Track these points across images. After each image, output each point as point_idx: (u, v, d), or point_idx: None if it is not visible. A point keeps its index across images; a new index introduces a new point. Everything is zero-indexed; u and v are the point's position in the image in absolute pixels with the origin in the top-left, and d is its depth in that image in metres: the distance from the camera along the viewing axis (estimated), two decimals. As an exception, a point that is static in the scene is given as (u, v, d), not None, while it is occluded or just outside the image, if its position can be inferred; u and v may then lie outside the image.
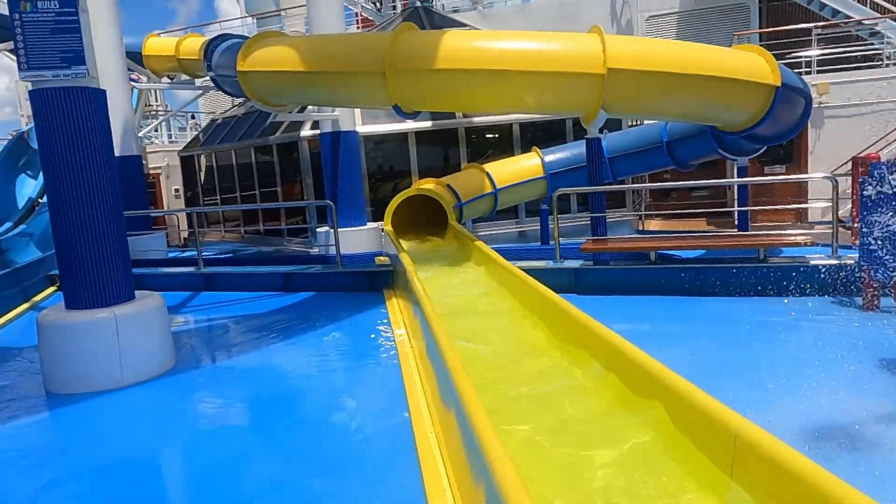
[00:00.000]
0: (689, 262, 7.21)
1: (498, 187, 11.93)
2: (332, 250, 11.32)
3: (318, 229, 11.85)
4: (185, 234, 18.34)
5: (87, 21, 5.31)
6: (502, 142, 13.93)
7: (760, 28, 16.43)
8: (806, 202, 14.29)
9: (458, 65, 7.42)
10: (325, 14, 10.40)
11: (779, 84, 7.96)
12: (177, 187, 20.20)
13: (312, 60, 8.26)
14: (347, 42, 8.50)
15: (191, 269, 9.36)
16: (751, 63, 7.90)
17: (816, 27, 15.37)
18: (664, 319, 6.25)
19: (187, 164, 17.90)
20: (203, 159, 17.08)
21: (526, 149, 13.72)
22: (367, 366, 5.57)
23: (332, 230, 11.25)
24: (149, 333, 5.46)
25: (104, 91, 5.41)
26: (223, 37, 11.76)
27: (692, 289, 6.88)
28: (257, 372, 5.59)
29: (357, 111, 11.72)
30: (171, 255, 15.00)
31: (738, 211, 10.89)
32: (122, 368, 5.26)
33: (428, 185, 11.29)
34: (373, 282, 8.27)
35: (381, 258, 10.16)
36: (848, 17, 15.51)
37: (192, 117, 26.04)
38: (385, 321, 6.77)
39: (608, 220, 14.60)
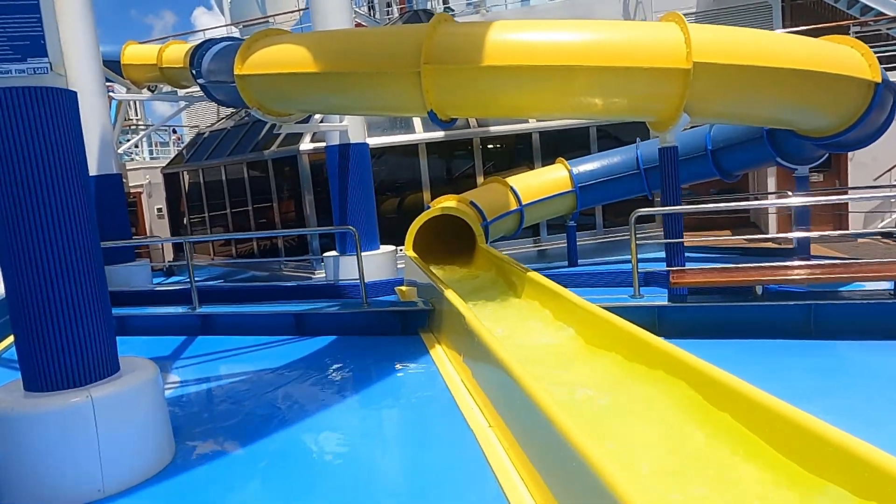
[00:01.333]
0: (804, 296, 5.87)
1: (524, 203, 10.59)
2: (343, 278, 9.91)
3: (326, 255, 10.37)
4: (170, 259, 16.73)
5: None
6: (521, 152, 12.58)
7: (784, 28, 15.29)
8: (846, 211, 13.14)
9: (512, 60, 6.04)
10: (331, 10, 8.99)
11: (879, 80, 6.70)
12: (160, 206, 18.58)
13: (327, 60, 6.84)
14: (372, 37, 7.08)
15: (184, 308, 7.82)
16: (846, 56, 6.63)
17: (844, 25, 14.28)
18: (801, 373, 4.88)
19: (172, 181, 16.30)
20: (189, 176, 15.51)
21: (546, 160, 12.40)
22: (435, 454, 4.12)
23: (342, 257, 9.82)
24: (139, 421, 3.96)
25: (75, 93, 3.94)
26: (212, 41, 10.30)
27: (808, 330, 5.55)
28: (287, 464, 4.11)
29: (363, 120, 10.29)
30: (155, 280, 13.44)
31: (798, 236, 9.60)
32: (103, 473, 3.76)
33: (448, 202, 9.89)
34: (406, 323, 6.82)
35: (403, 289, 8.72)
36: (880, 14, 14.42)
37: (174, 132, 24.41)
38: (439, 383, 5.28)
39: (628, 237, 13.41)
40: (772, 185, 13.59)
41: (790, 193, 11.56)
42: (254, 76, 7.60)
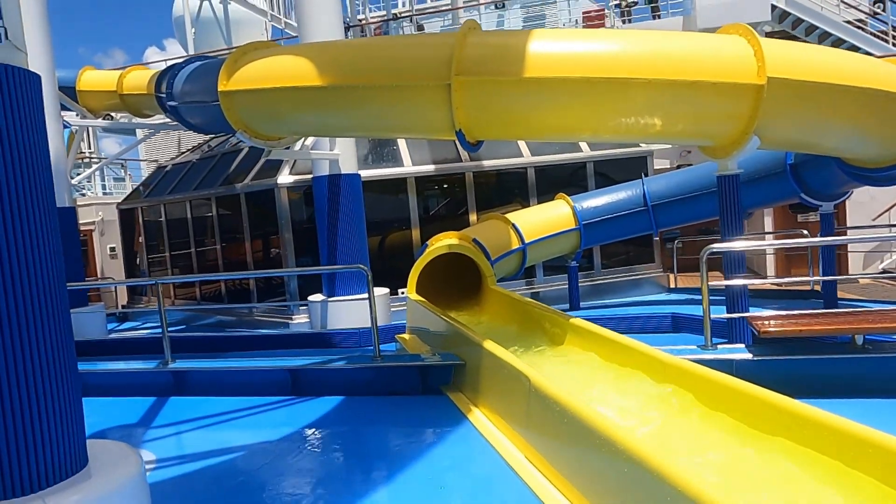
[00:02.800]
0: (908, 347, 4.99)
1: (526, 241, 9.65)
2: (331, 324, 8.72)
3: (311, 298, 9.16)
4: (123, 303, 15.16)
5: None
6: (516, 188, 11.70)
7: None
8: (845, 251, 12.64)
9: (559, 72, 5.11)
10: (321, 22, 8.00)
11: (945, 105, 6.03)
12: (113, 245, 17.00)
13: (334, 72, 5.81)
14: (390, 46, 6.09)
15: (153, 363, 6.49)
16: (912, 78, 5.94)
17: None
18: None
19: (128, 217, 14.85)
20: (148, 212, 14.11)
21: (542, 196, 11.55)
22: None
23: (330, 301, 8.64)
24: (117, 540, 2.74)
25: (38, 77, 2.80)
26: (181, 65, 9.16)
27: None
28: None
29: (355, 149, 9.24)
30: (109, 326, 11.94)
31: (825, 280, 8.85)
32: None
33: (449, 239, 8.86)
34: (426, 378, 5.68)
35: (405, 337, 7.59)
36: (868, 54, 14.25)
37: (123, 167, 22.78)
38: (495, 461, 4.16)
39: (630, 277, 12.63)
40: (769, 224, 13.04)
41: (806, 232, 11.00)
42: (241, 93, 6.52)
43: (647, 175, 11.48)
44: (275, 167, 10.84)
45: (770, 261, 13.17)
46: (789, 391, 3.81)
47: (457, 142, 5.63)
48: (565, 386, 4.10)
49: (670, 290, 11.84)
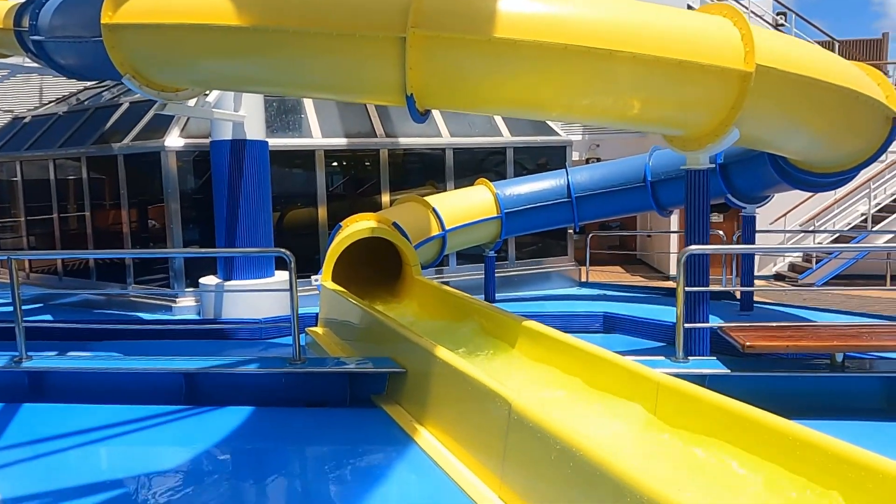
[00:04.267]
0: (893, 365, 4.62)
1: (447, 228, 8.86)
2: (226, 312, 7.50)
3: (203, 282, 7.86)
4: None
5: None
6: (432, 170, 10.84)
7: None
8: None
9: (537, 35, 4.31)
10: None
11: (897, 114, 5.82)
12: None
13: (257, 9, 4.66)
14: (329, -17, 4.99)
15: (1, 362, 5.05)
16: (874, 85, 5.68)
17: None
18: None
19: (-28, 176, 12.56)
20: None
21: (459, 180, 10.80)
22: None
23: (227, 285, 7.43)
24: None
25: None
26: (49, -4, 7.51)
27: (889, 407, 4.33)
28: None
29: (263, 111, 8.00)
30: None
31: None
32: None
33: (366, 221, 7.87)
34: (355, 388, 4.72)
35: (317, 330, 6.58)
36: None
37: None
38: (455, 495, 3.35)
39: (543, 270, 12.17)
40: (675, 223, 13.03)
41: (721, 234, 10.91)
42: (132, 27, 5.21)
43: (569, 164, 11.05)
44: (161, 128, 9.32)
45: (672, 259, 13.19)
46: (769, 410, 3.30)
47: (406, 108, 4.69)
48: (554, 411, 3.33)
49: (581, 284, 11.49)
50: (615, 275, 12.95)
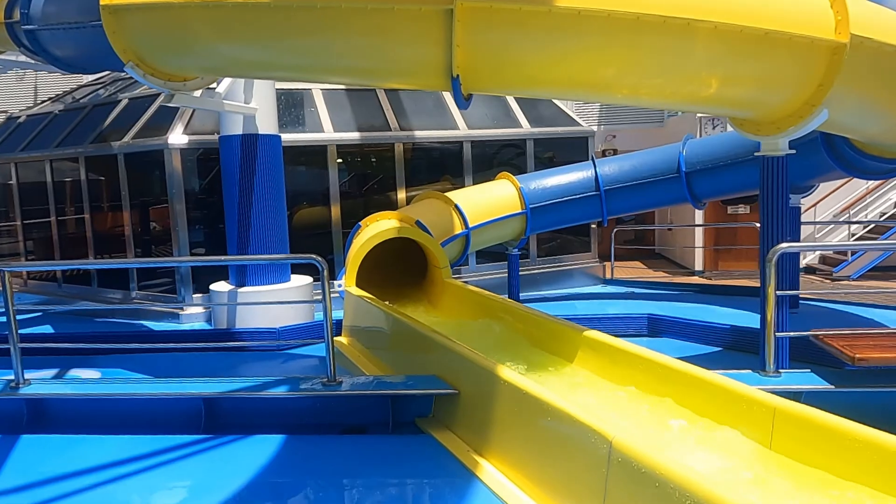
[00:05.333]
0: None
1: (470, 225, 8.25)
2: (241, 321, 6.90)
3: (213, 287, 7.26)
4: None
5: None
6: (449, 164, 10.24)
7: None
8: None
9: (606, 4, 3.72)
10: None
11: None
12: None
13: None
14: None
15: (-5, 385, 4.46)
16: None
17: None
18: None
19: (-35, 179, 11.91)
20: (-7, 172, 11.33)
21: (478, 174, 10.21)
22: None
23: (240, 291, 6.83)
24: None
25: None
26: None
27: None
28: None
29: (274, 103, 7.36)
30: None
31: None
32: None
33: (387, 220, 7.27)
34: (398, 410, 4.14)
35: (343, 340, 5.99)
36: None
37: None
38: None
39: (566, 267, 11.58)
40: (699, 216, 12.41)
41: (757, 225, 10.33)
42: (135, 8, 4.60)
43: (589, 157, 10.46)
44: (163, 124, 8.71)
45: (699, 254, 12.60)
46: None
47: (450, 93, 4.08)
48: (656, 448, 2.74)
49: (606, 282, 10.90)
50: (637, 270, 12.37)
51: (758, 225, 10.81)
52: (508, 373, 3.48)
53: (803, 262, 12.12)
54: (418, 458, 3.73)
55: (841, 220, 11.78)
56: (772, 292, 4.01)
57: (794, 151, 4.62)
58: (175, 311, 8.47)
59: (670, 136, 13.97)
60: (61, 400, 4.31)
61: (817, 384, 3.83)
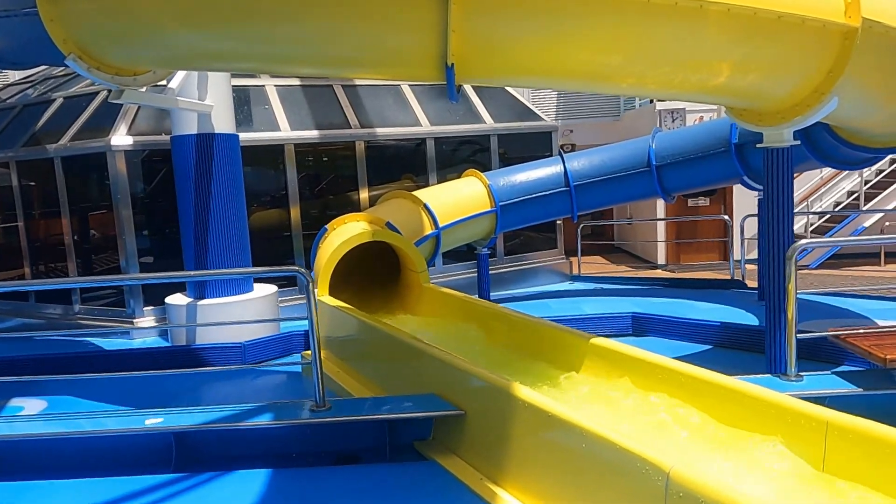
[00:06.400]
0: None
1: (441, 225, 7.88)
2: (199, 336, 6.33)
3: (169, 300, 6.65)
4: None
5: None
6: (412, 162, 9.82)
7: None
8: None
9: (615, -16, 3.38)
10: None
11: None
12: None
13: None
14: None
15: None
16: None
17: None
18: None
19: None
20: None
21: (442, 172, 9.84)
22: None
23: (200, 304, 6.27)
24: None
25: None
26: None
27: None
28: None
29: (230, 101, 6.79)
30: None
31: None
32: None
33: (356, 221, 6.82)
34: (396, 434, 3.73)
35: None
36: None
37: None
38: None
39: (534, 265, 11.30)
40: (661, 210, 12.35)
41: (727, 218, 10.22)
42: (80, -9, 4.03)
43: (553, 153, 10.22)
44: (104, 125, 8.01)
45: (661, 248, 12.54)
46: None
47: (445, 82, 3.68)
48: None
49: (574, 278, 10.69)
50: (600, 266, 12.23)
51: (726, 217, 10.79)
52: (528, 392, 3.11)
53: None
54: (425, 489, 3.32)
55: (808, 210, 11.91)
56: (792, 291, 3.76)
57: (798, 142, 4.40)
58: (125, 325, 7.79)
59: (627, 129, 13.91)
60: (12, 442, 3.71)
61: (843, 388, 3.60)
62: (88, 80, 6.60)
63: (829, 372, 3.84)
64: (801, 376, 3.76)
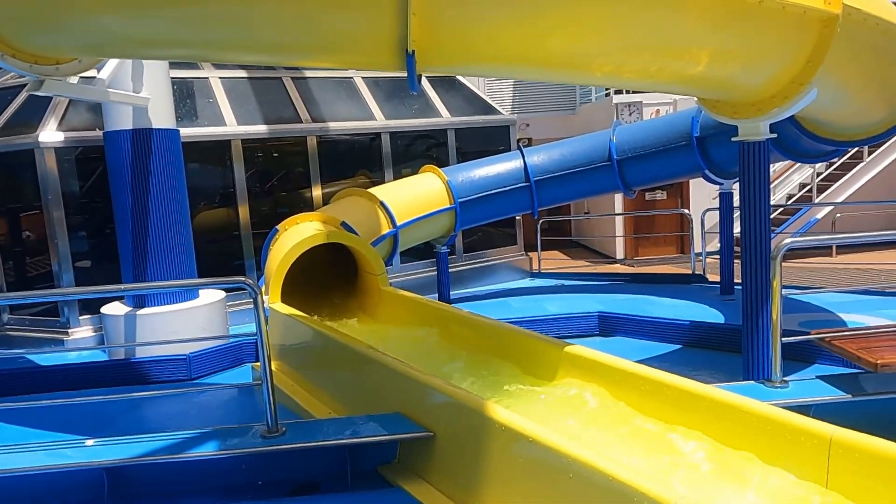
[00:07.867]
0: None
1: (398, 224, 7.54)
2: (140, 348, 5.83)
3: (105, 310, 6.12)
4: None
5: None
6: (367, 157, 9.42)
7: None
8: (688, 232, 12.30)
9: (591, -37, 3.09)
10: None
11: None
12: None
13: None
14: None
15: None
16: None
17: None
18: None
19: None
20: None
21: (398, 167, 9.48)
22: None
23: (140, 314, 5.78)
24: None
25: None
26: None
27: None
28: None
29: (169, 94, 6.27)
30: None
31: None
32: None
33: (309, 221, 6.41)
34: (358, 459, 3.37)
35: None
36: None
37: None
38: None
39: (494, 262, 11.03)
40: (619, 205, 12.23)
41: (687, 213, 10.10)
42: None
43: (511, 147, 9.95)
44: (33, 120, 7.37)
45: (619, 242, 12.44)
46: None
47: (405, 71, 3.32)
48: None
49: (533, 275, 10.48)
50: (558, 261, 12.04)
51: (686, 212, 10.69)
52: (504, 413, 2.80)
53: (717, 245, 12.22)
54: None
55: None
56: (777, 292, 3.55)
57: (775, 135, 4.21)
58: (58, 335, 7.21)
59: (584, 123, 13.77)
60: None
61: (831, 394, 3.41)
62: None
63: (814, 377, 3.65)
64: (787, 382, 3.55)
